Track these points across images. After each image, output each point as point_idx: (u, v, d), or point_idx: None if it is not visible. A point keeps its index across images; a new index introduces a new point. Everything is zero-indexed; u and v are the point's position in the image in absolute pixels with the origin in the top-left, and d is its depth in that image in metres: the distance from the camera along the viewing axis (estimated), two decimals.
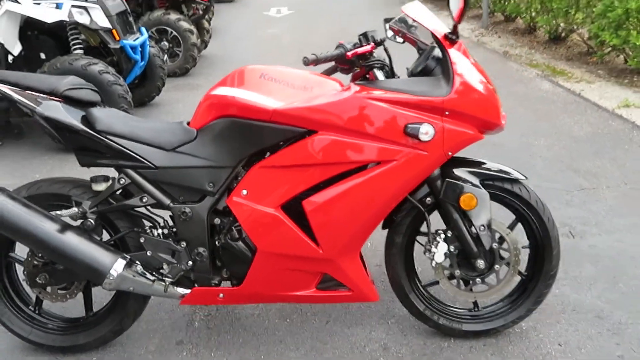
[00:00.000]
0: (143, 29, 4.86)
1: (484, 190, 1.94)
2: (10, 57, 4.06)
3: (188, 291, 1.98)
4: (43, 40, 4.40)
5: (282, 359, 2.08)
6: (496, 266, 2.03)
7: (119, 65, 4.43)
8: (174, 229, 1.97)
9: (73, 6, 4.01)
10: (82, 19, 4.07)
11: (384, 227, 2.07)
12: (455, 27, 1.79)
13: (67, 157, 3.84)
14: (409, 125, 1.78)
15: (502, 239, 2.03)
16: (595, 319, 2.23)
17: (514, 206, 2.03)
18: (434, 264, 2.01)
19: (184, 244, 1.95)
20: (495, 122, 1.88)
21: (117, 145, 1.88)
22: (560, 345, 2.09)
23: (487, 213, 1.94)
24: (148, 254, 1.96)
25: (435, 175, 1.94)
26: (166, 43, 6.15)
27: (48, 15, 3.95)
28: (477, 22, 8.94)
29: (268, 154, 1.89)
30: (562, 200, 3.18)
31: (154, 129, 1.94)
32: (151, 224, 2.03)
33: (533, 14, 7.40)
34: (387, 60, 1.96)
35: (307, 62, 1.81)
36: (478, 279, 2.05)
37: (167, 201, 1.93)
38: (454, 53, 1.82)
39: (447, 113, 1.80)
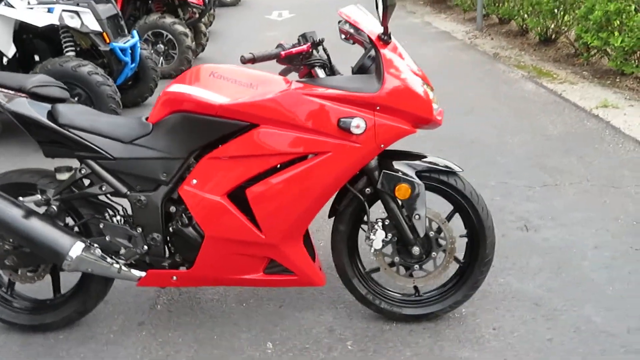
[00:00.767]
0: (135, 32, 5.06)
1: (420, 181, 2.07)
2: (4, 59, 4.27)
3: (144, 274, 2.13)
4: (37, 43, 4.60)
5: (234, 339, 2.23)
6: (433, 253, 2.16)
7: (110, 67, 4.62)
8: (131, 216, 2.13)
9: (64, 10, 4.22)
10: (73, 22, 4.27)
11: (329, 216, 2.21)
12: (385, 29, 1.93)
13: None
14: (342, 120, 1.92)
15: (439, 228, 2.16)
16: (532, 305, 2.34)
17: (451, 197, 2.16)
18: (372, 250, 2.14)
19: (139, 229, 2.11)
20: (427, 117, 2.00)
21: (78, 138, 2.04)
22: (494, 329, 2.20)
23: (422, 203, 2.07)
24: (107, 238, 2.12)
25: (373, 166, 2.07)
26: (162, 46, 6.36)
27: (39, 19, 4.15)
28: (473, 25, 9.05)
29: (219, 146, 2.03)
30: (523, 195, 3.30)
31: (113, 123, 2.10)
32: (111, 211, 2.19)
33: (525, 16, 7.49)
34: (330, 60, 2.10)
35: (244, 61, 1.96)
36: (416, 266, 2.18)
37: (124, 190, 2.09)
38: (386, 52, 1.96)
39: (378, 108, 1.94)
